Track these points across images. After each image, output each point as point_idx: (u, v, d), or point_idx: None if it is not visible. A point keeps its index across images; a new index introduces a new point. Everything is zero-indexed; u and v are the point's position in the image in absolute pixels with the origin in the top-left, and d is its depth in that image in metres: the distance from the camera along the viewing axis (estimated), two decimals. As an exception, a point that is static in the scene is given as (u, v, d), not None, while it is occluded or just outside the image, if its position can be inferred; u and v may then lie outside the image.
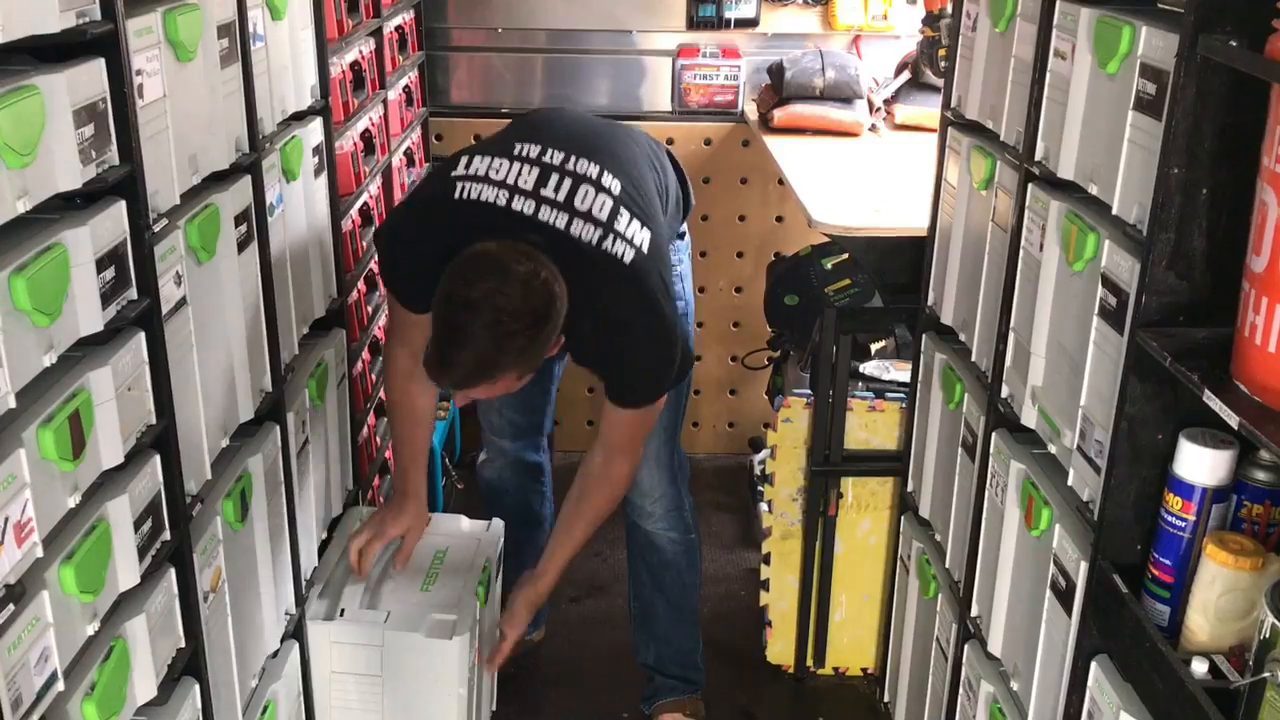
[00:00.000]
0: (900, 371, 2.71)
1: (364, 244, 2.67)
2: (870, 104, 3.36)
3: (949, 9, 2.44)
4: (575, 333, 1.92)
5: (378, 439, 2.85)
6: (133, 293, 1.45)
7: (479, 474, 2.79)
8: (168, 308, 1.54)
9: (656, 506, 2.50)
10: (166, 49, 1.53)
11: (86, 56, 1.35)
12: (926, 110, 3.17)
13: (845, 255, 2.94)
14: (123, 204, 1.42)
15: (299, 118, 2.15)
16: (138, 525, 1.47)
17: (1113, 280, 1.55)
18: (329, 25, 2.32)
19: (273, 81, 1.97)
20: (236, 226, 1.78)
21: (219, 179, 1.75)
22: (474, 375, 1.80)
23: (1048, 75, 1.77)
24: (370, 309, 2.75)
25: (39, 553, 1.25)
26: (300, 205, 2.14)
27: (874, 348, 2.91)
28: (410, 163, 3.27)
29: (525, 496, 2.78)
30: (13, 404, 1.20)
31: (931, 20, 2.86)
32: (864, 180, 2.96)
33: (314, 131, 2.22)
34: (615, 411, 2.09)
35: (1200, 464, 1.43)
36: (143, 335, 1.48)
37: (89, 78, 1.34)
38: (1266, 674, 1.20)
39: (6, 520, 1.18)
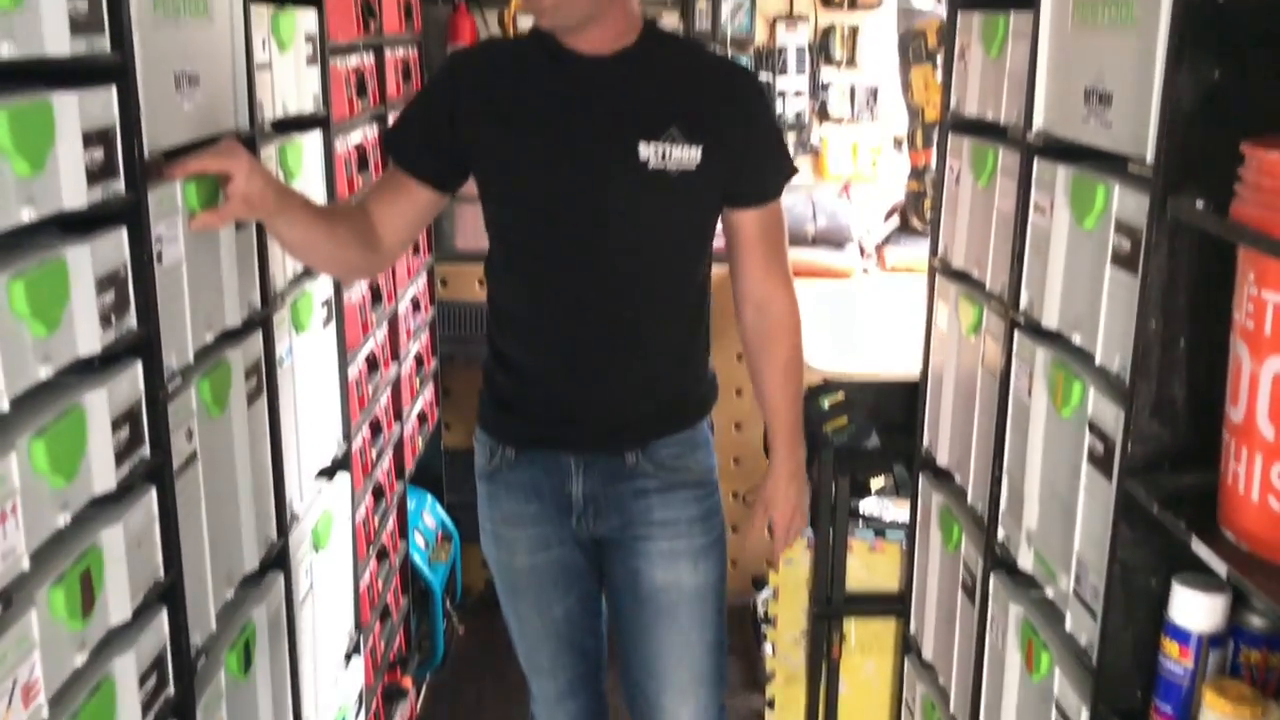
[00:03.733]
0: (900, 510, 2.73)
1: (369, 390, 2.72)
2: (862, 248, 3.46)
3: (932, 164, 2.55)
4: (691, 95, 1.79)
5: (379, 583, 2.86)
6: (145, 450, 1.49)
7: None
8: (179, 463, 1.58)
9: None
10: (185, 215, 1.60)
11: (110, 226, 1.42)
12: (916, 255, 3.26)
13: (841, 394, 2.98)
14: (139, 365, 1.47)
15: (310, 271, 2.22)
16: (143, 681, 1.47)
17: (1099, 427, 1.59)
18: (339, 184, 2.42)
19: (285, 240, 2.04)
20: (247, 380, 1.83)
21: (231, 334, 1.81)
22: None
23: (1029, 228, 1.84)
24: (375, 454, 2.78)
25: (44, 714, 1.26)
26: (309, 356, 2.20)
27: (874, 484, 2.94)
28: (416, 308, 3.35)
29: None
30: (26, 566, 1.23)
31: (917, 174, 2.97)
32: (858, 323, 3.03)
33: (324, 284, 2.29)
34: (751, 216, 1.88)
35: (1194, 610, 1.45)
36: (154, 491, 1.51)
37: (112, 247, 1.41)
38: (1269, 826, 1.19)
39: (15, 682, 1.19)
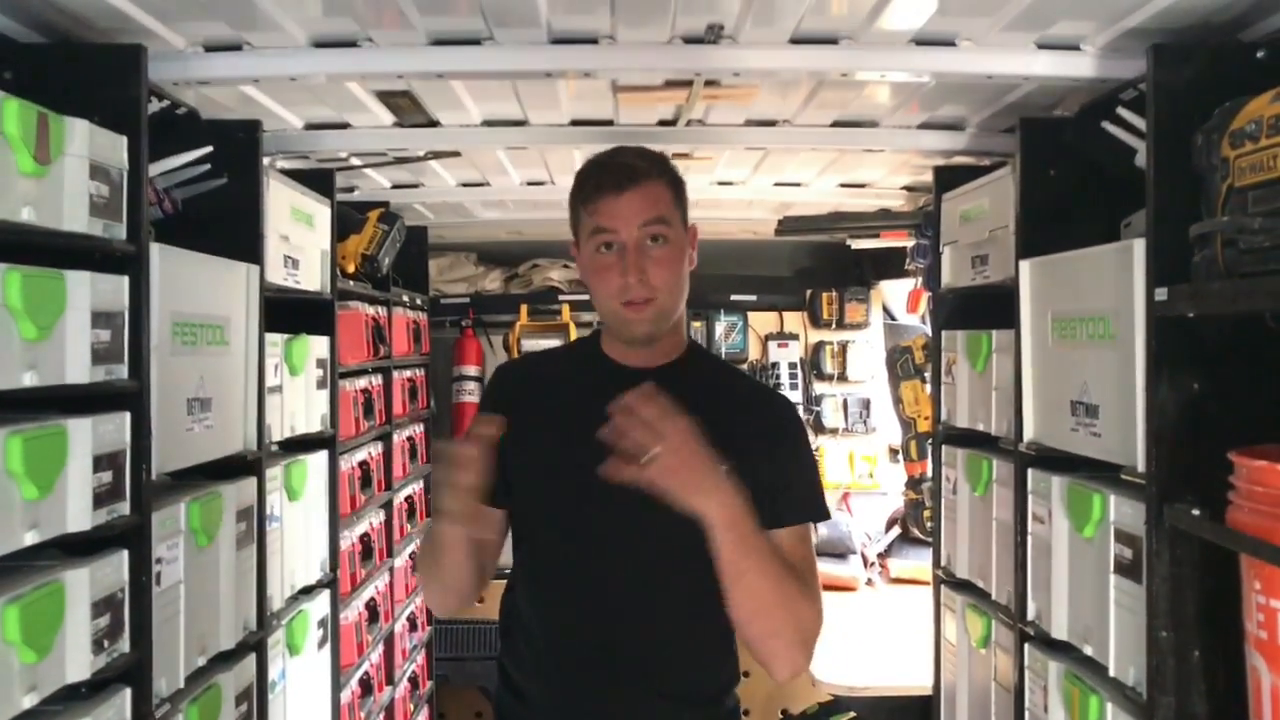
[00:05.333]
0: (921, 841, 2.56)
1: (361, 715, 2.62)
2: (864, 559, 3.43)
3: (929, 474, 2.57)
4: (721, 414, 1.64)
5: None
6: (124, 790, 1.42)
7: None
8: (159, 802, 1.50)
9: None
10: (187, 536, 1.60)
11: (111, 548, 1.41)
12: (920, 563, 3.23)
13: (853, 714, 2.87)
14: (127, 693, 1.42)
15: (307, 591, 2.20)
16: None
17: (1123, 746, 1.52)
18: (342, 501, 2.43)
19: (285, 559, 2.03)
20: (237, 706, 1.77)
21: (224, 655, 1.76)
22: (637, 160, 1.65)
23: (1029, 538, 1.84)
24: (364, 786, 2.64)
25: None
26: (302, 680, 2.13)
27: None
28: (413, 627, 3.28)
29: None
30: None
31: (914, 484, 2.99)
32: (866, 636, 2.96)
33: (321, 604, 2.26)
34: (777, 536, 1.64)
35: None
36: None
37: (111, 570, 1.40)
38: None
39: None
